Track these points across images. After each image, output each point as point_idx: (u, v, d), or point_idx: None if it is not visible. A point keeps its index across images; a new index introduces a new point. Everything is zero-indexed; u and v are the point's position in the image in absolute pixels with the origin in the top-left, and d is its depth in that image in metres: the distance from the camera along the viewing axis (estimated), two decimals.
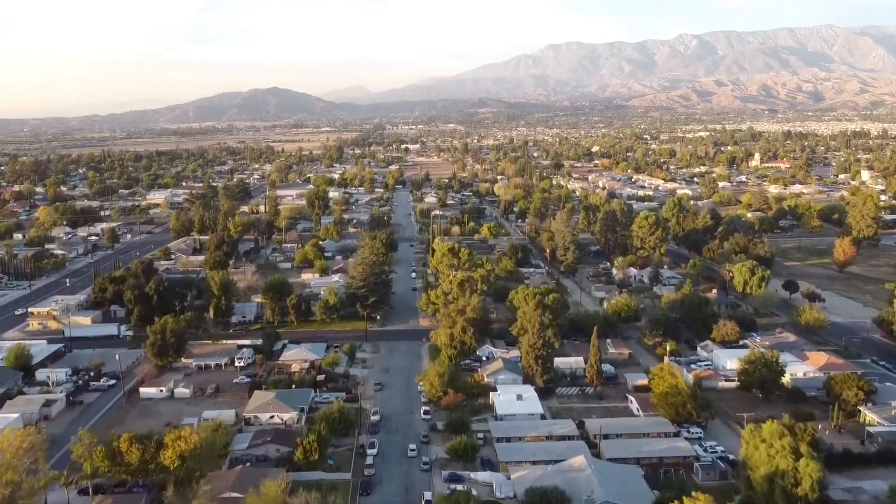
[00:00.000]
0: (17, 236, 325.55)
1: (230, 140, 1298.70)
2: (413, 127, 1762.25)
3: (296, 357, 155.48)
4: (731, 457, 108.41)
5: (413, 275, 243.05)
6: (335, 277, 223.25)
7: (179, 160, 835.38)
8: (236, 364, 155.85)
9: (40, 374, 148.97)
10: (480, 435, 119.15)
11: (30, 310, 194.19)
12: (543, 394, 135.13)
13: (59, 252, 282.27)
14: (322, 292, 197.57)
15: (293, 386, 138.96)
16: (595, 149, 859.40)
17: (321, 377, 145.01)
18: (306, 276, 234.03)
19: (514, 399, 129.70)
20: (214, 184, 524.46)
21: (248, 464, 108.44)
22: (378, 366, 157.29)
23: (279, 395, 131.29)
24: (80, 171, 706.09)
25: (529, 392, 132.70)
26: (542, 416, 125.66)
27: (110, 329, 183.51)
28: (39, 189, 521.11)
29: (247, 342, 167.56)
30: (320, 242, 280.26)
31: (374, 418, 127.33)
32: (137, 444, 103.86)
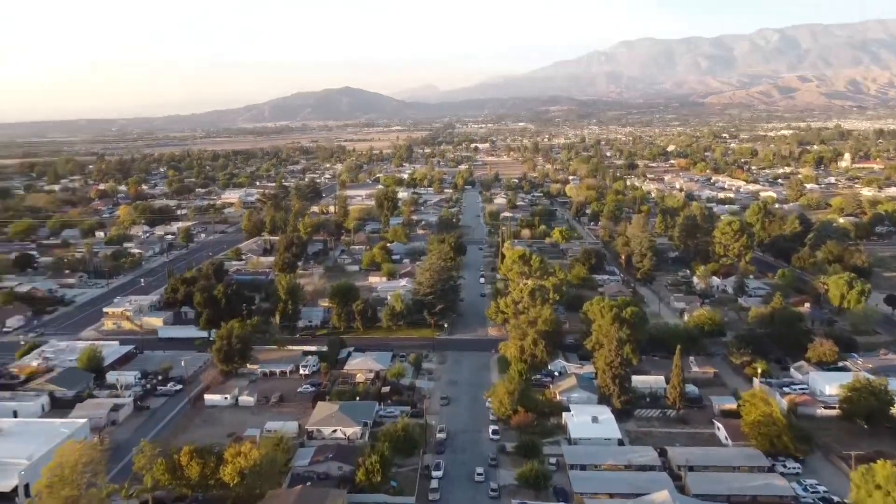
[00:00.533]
0: (100, 234, 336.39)
1: (303, 139, 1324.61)
2: (483, 126, 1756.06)
3: (360, 366, 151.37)
4: (837, 500, 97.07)
5: (482, 280, 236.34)
6: (402, 282, 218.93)
7: (254, 159, 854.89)
8: (301, 372, 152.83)
9: (110, 377, 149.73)
10: (553, 460, 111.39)
11: (105, 309, 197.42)
12: (620, 416, 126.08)
13: (136, 251, 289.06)
14: (388, 298, 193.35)
15: (357, 398, 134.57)
16: (671, 148, 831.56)
17: (386, 389, 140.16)
18: (373, 280, 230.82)
19: (588, 421, 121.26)
20: (286, 183, 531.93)
21: (309, 483, 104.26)
22: (445, 378, 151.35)
23: (343, 407, 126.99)
24: (161, 170, 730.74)
25: (605, 414, 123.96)
26: (620, 442, 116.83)
27: (200, 332, 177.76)
28: (122, 188, 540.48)
29: (312, 349, 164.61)
30: (388, 245, 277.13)
31: (440, 436, 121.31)
32: (198, 458, 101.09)
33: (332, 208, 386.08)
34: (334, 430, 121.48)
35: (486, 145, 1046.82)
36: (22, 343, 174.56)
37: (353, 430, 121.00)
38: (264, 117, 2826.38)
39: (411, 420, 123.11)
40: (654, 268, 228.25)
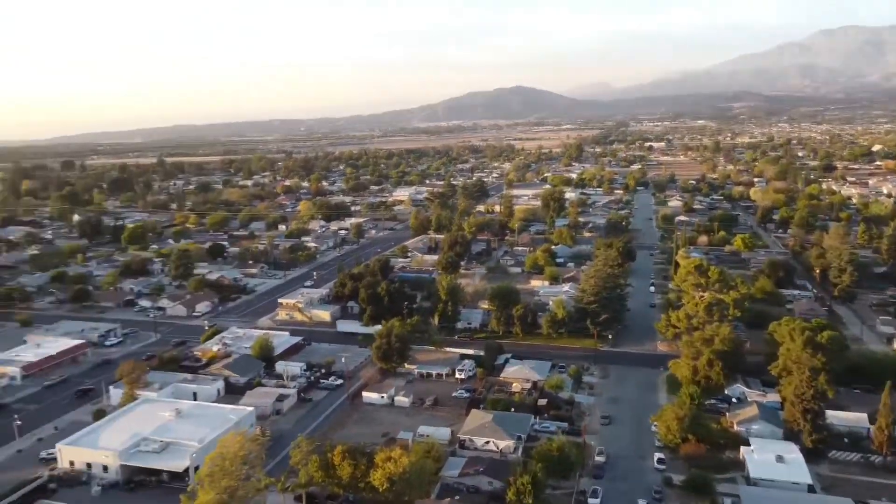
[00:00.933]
0: (282, 227, 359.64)
1: (474, 138, 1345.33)
2: (658, 124, 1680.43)
3: (517, 375, 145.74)
4: None
5: (652, 289, 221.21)
6: (565, 287, 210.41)
7: (426, 158, 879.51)
8: (457, 376, 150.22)
9: (279, 367, 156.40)
10: (728, 501, 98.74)
11: (279, 300, 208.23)
12: (811, 456, 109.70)
13: (311, 245, 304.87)
14: (550, 304, 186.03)
15: (512, 408, 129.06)
16: (876, 148, 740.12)
17: (543, 401, 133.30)
18: (535, 283, 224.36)
19: (772, 459, 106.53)
20: (455, 182, 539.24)
21: (458, 497, 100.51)
22: (606, 394, 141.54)
23: (497, 417, 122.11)
24: (340, 167, 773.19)
25: (793, 453, 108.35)
26: (810, 488, 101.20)
27: (370, 329, 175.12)
28: (305, 184, 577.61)
29: (469, 352, 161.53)
30: (552, 247, 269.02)
31: (599, 459, 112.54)
32: (350, 458, 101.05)
33: (497, 208, 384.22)
34: (487, 442, 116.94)
35: (662, 144, 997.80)
36: (206, 327, 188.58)
37: (505, 444, 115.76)
38: (438, 117, 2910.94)
39: (568, 438, 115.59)
40: (855, 284, 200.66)
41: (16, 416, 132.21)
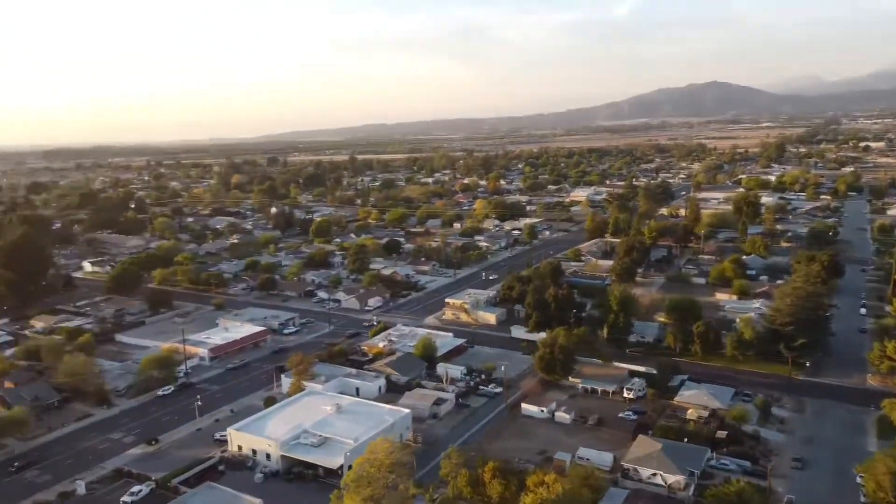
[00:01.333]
0: (456, 226, 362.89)
1: (661, 137, 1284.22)
2: (877, 122, 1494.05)
3: (694, 400, 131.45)
4: None
5: (863, 311, 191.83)
6: (755, 303, 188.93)
7: (608, 157, 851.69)
8: (625, 394, 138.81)
9: (440, 368, 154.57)
10: None
11: (447, 300, 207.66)
12: None
13: (483, 244, 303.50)
14: (737, 321, 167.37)
15: (685, 439, 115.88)
16: None
17: (722, 434, 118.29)
18: (721, 297, 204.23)
19: None
20: (636, 183, 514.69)
21: None
22: (800, 432, 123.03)
23: (667, 447, 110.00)
24: (519, 166, 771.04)
25: None
26: None
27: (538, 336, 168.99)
28: (483, 182, 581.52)
29: (640, 369, 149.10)
30: (743, 257, 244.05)
31: None
32: (500, 477, 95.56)
33: (682, 212, 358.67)
34: (654, 474, 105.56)
35: (881, 144, 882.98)
36: (374, 323, 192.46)
37: (675, 479, 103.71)
38: (623, 114, 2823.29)
39: (749, 480, 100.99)
40: None
41: (198, 396, 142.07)
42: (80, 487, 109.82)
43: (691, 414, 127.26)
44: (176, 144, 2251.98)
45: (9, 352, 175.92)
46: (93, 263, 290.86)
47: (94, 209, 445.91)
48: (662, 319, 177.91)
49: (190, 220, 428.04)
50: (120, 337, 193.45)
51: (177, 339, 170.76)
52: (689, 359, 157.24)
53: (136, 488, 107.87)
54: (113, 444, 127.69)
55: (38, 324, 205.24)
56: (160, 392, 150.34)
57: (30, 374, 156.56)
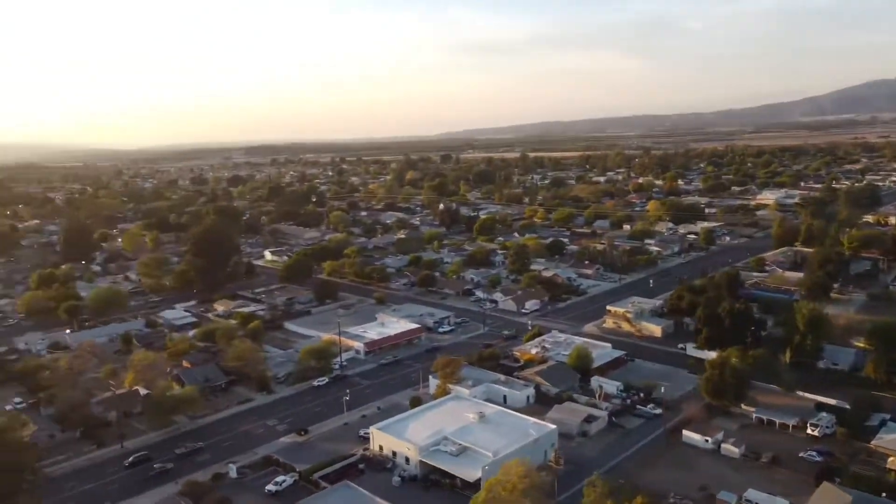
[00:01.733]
0: (626, 227, 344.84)
1: (870, 135, 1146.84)
2: None
3: None
4: None
5: None
6: None
7: (804, 157, 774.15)
8: (808, 430, 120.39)
9: (594, 382, 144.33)
10: None
11: (608, 307, 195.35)
12: None
13: (654, 248, 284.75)
14: None
15: (884, 493, 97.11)
16: None
17: None
18: None
19: None
20: (837, 186, 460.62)
21: None
22: None
23: (858, 500, 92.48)
24: (700, 165, 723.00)
25: None
26: None
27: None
28: (659, 182, 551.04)
29: (830, 402, 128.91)
30: None
31: None
32: None
33: (892, 219, 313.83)
34: None
35: None
36: (529, 327, 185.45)
37: None
38: (824, 110, 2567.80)
39: None
40: None
41: (347, 390, 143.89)
42: (233, 471, 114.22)
43: (892, 463, 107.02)
44: (360, 142, 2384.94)
45: (191, 333, 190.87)
46: (272, 252, 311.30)
47: (279, 201, 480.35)
48: (861, 345, 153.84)
49: (363, 214, 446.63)
50: (288, 325, 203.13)
51: (336, 330, 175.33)
52: (894, 394, 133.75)
53: (280, 478, 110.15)
54: (267, 430, 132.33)
55: (220, 308, 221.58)
56: (315, 382, 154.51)
57: (204, 356, 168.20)
